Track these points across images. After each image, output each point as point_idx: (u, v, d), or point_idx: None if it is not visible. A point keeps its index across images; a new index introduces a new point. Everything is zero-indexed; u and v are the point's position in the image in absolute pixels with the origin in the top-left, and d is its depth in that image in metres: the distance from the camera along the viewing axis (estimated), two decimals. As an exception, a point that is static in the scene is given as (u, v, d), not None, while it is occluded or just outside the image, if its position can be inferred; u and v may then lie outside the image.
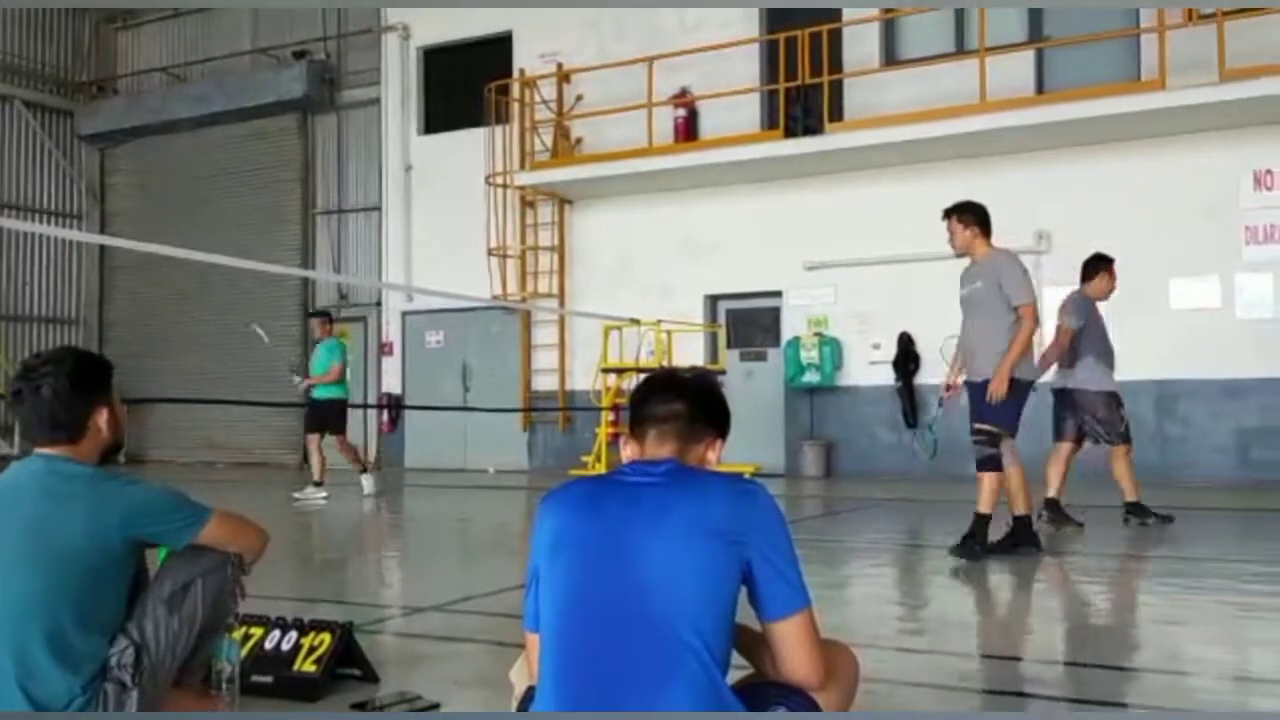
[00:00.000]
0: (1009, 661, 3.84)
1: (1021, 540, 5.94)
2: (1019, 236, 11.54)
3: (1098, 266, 7.55)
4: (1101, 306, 7.60)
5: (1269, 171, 10.75)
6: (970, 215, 6.00)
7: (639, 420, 2.29)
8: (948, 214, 6.07)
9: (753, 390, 12.98)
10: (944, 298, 11.94)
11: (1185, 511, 8.08)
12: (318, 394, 10.49)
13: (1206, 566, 5.78)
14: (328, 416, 10.45)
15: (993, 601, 4.98)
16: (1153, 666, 3.70)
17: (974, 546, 5.81)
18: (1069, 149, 11.39)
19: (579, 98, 14.16)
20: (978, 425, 5.85)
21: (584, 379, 13.46)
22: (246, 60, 17.40)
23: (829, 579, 5.57)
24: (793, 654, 2.09)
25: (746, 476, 3.05)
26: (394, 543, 7.93)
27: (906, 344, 12.23)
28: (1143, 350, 10.45)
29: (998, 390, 5.66)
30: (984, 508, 5.84)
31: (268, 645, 3.31)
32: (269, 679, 3.22)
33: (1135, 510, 7.28)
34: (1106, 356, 7.37)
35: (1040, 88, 11.74)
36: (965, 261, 6.21)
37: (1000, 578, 5.54)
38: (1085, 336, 7.30)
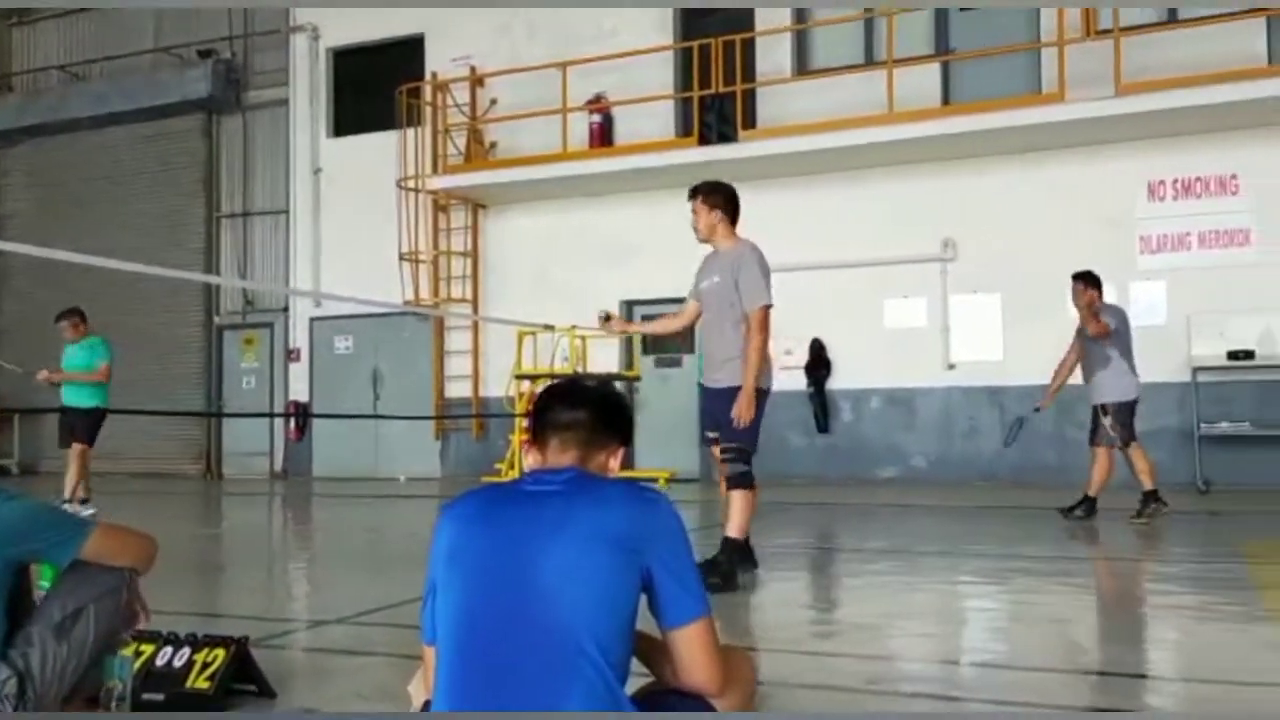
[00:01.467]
0: (915, 663, 3.90)
1: (734, 564, 5.16)
2: (927, 244, 11.87)
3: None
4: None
5: (1162, 183, 11.15)
6: (718, 197, 5.32)
7: (541, 428, 2.28)
8: (693, 194, 5.36)
9: (668, 396, 13.01)
10: (855, 304, 12.24)
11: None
12: (75, 399, 9.16)
13: (1100, 565, 5.95)
14: (82, 423, 9.07)
15: (902, 604, 5.05)
16: (1040, 665, 3.78)
17: (727, 573, 5.05)
18: (975, 159, 11.67)
19: (493, 102, 14.07)
20: (725, 445, 5.19)
21: (498, 385, 13.35)
22: (149, 59, 16.89)
23: (742, 584, 5.59)
24: (692, 661, 2.09)
25: (648, 485, 3.05)
26: (299, 555, 7.76)
27: (818, 350, 12.39)
28: (1046, 354, 10.73)
29: (744, 415, 5.07)
30: (734, 531, 5.16)
31: (159, 662, 3.19)
32: (160, 697, 3.12)
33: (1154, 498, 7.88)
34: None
35: (946, 99, 12.02)
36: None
37: (909, 579, 5.63)
38: (1120, 341, 7.92)
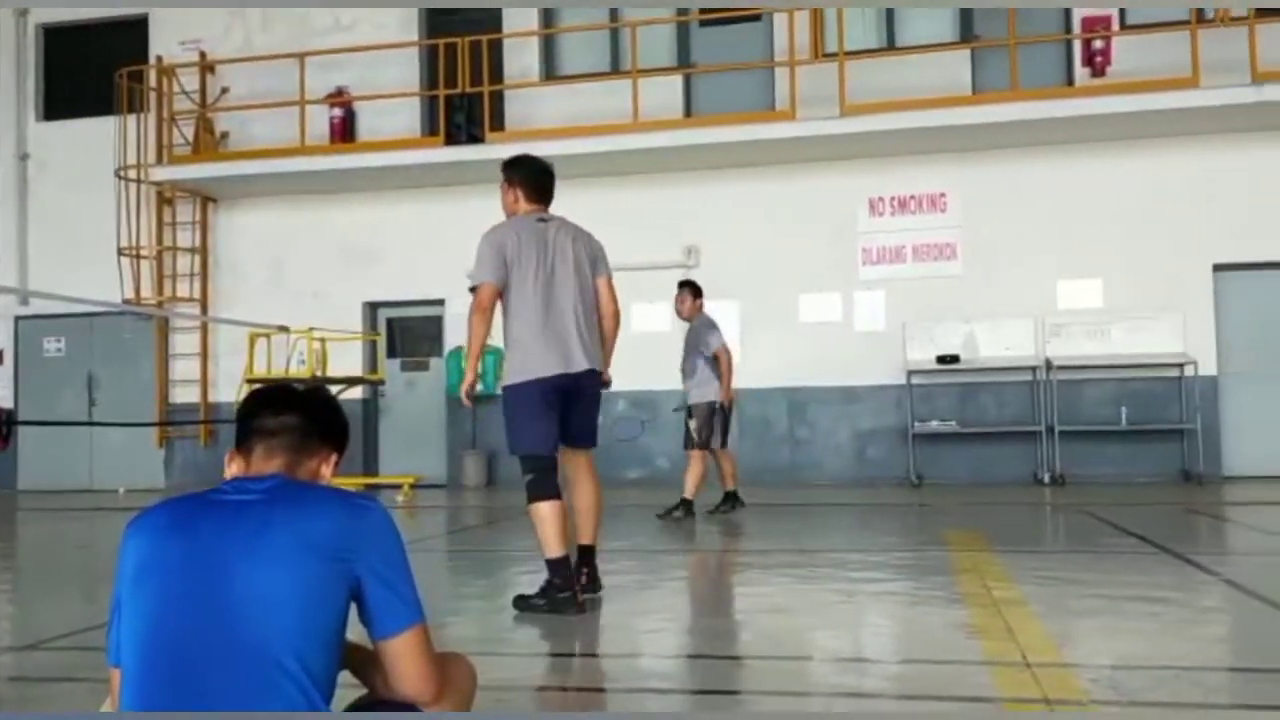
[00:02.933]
0: (633, 659, 3.98)
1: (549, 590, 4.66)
2: (670, 251, 12.21)
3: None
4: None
5: (881, 199, 11.98)
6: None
7: (246, 435, 2.16)
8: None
9: (414, 400, 12.75)
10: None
11: (812, 508, 8.81)
12: None
13: (822, 557, 6.31)
14: None
15: (623, 600, 5.15)
16: (766, 654, 3.97)
17: (535, 604, 4.66)
18: (715, 170, 12.13)
19: (224, 90, 13.32)
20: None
21: (228, 390, 12.64)
22: None
23: (479, 589, 5.54)
24: (406, 670, 2.03)
25: (360, 491, 2.96)
26: (-4, 576, 7.02)
27: (565, 353, 12.47)
28: (776, 360, 11.31)
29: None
30: (546, 553, 4.63)
31: None
32: None
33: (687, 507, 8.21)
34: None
35: (688, 111, 12.43)
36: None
37: (633, 578, 5.75)
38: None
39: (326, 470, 2.21)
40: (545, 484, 4.62)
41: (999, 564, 5.75)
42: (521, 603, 4.69)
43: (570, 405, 4.72)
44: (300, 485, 2.08)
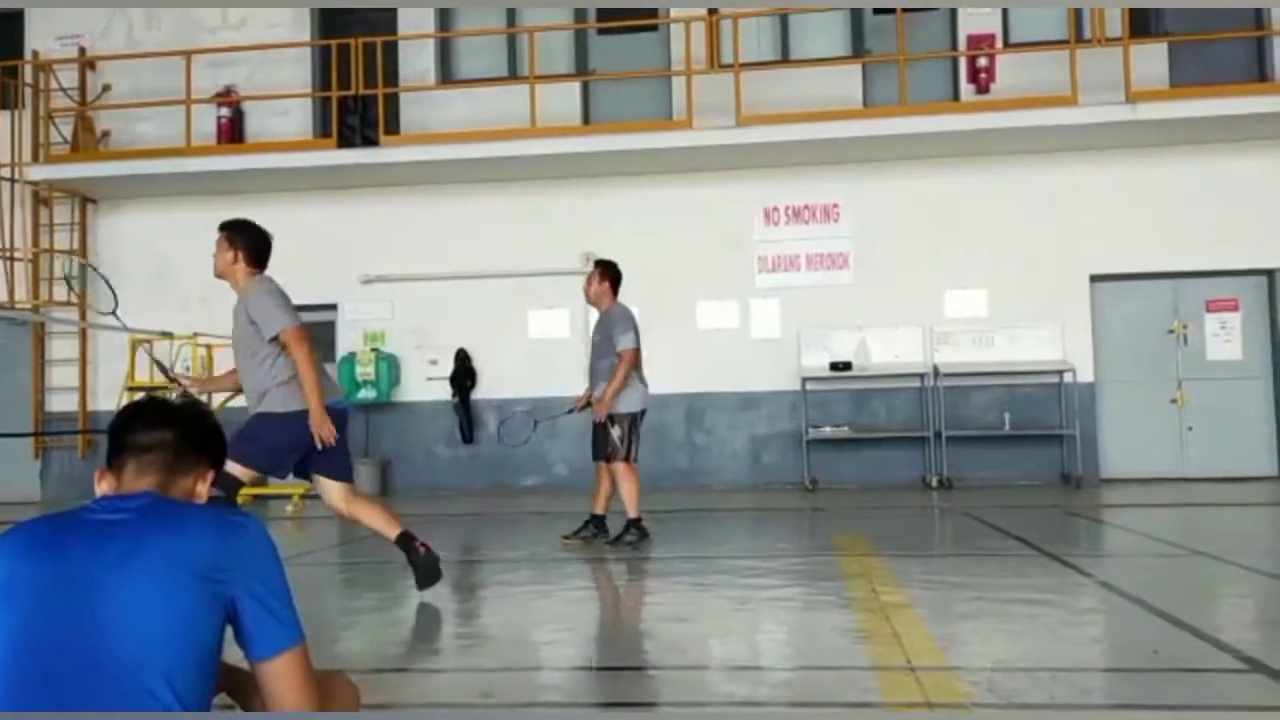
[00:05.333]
0: (531, 672, 3.96)
1: None
2: (569, 257, 12.19)
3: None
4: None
5: (777, 208, 12.16)
6: (239, 237, 5.29)
7: (118, 451, 2.09)
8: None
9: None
10: (500, 314, 12.34)
11: (709, 514, 8.87)
12: None
13: (717, 564, 6.36)
14: None
15: (532, 613, 5.12)
16: (660, 664, 3.98)
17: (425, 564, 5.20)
18: (614, 177, 12.14)
19: (106, 88, 12.84)
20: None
21: (109, 398, 12.17)
22: None
23: (370, 603, 5.44)
24: (284, 693, 1.98)
25: (237, 509, 2.90)
26: None
27: (464, 360, 12.36)
28: (675, 366, 11.36)
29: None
30: None
31: None
32: None
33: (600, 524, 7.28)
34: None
35: (587, 118, 12.43)
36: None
37: (543, 587, 5.72)
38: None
39: (202, 488, 2.16)
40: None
41: (887, 568, 5.88)
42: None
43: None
44: (173, 504, 2.03)
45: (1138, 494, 10.33)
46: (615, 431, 7.08)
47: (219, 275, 5.27)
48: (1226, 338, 11.64)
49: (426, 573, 5.20)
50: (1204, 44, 11.52)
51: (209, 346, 11.27)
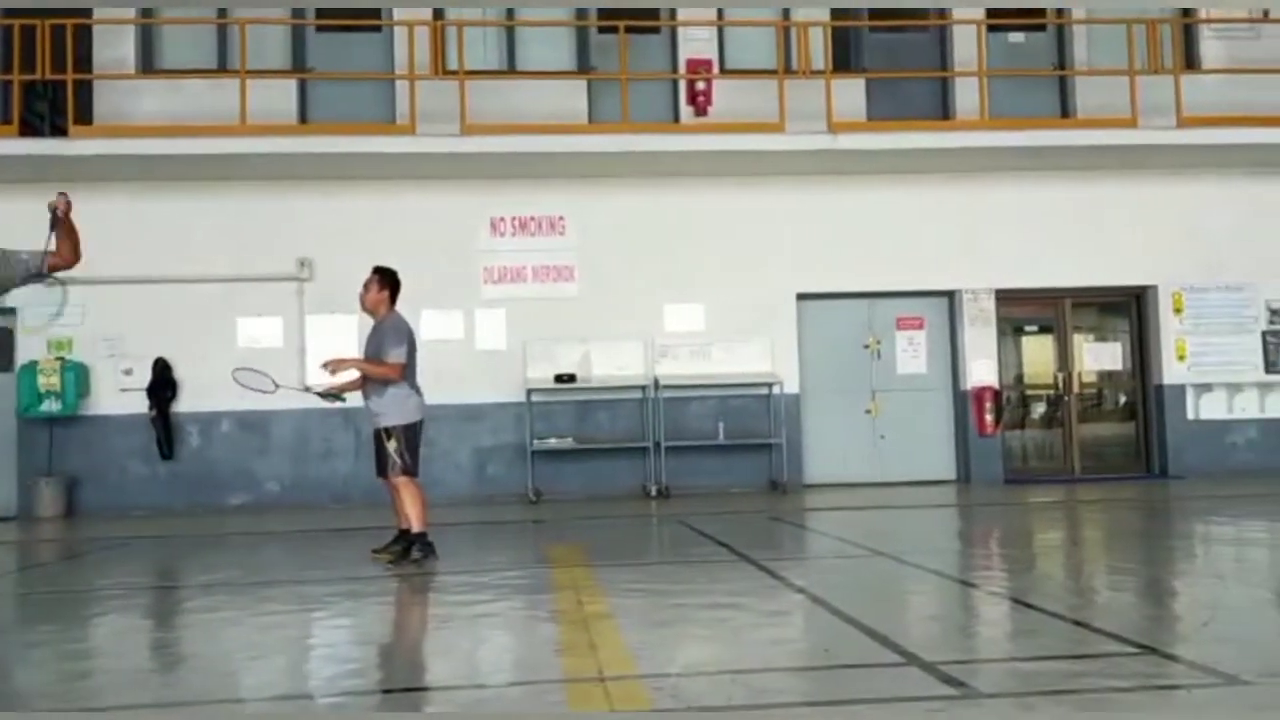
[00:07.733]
0: (230, 705, 3.70)
1: None
2: (282, 263, 11.65)
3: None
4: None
5: (503, 219, 12.13)
6: None
7: None
8: None
9: (-25, 423, 11.20)
10: (205, 321, 11.58)
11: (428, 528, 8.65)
12: None
13: (428, 581, 6.22)
14: None
15: (223, 641, 4.79)
16: (349, 689, 3.82)
17: None
18: (332, 180, 11.71)
19: None
20: None
21: None
22: None
23: (49, 634, 4.93)
24: None
25: None
26: None
27: (163, 370, 11.53)
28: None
29: None
30: None
31: None
32: None
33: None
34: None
35: (304, 118, 11.93)
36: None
37: (236, 613, 5.37)
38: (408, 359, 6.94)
39: None
40: None
41: (596, 579, 5.96)
42: None
43: None
44: None
45: (836, 498, 11.03)
46: (392, 445, 6.82)
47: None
48: (914, 353, 12.68)
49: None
50: (897, 81, 12.51)
51: None
